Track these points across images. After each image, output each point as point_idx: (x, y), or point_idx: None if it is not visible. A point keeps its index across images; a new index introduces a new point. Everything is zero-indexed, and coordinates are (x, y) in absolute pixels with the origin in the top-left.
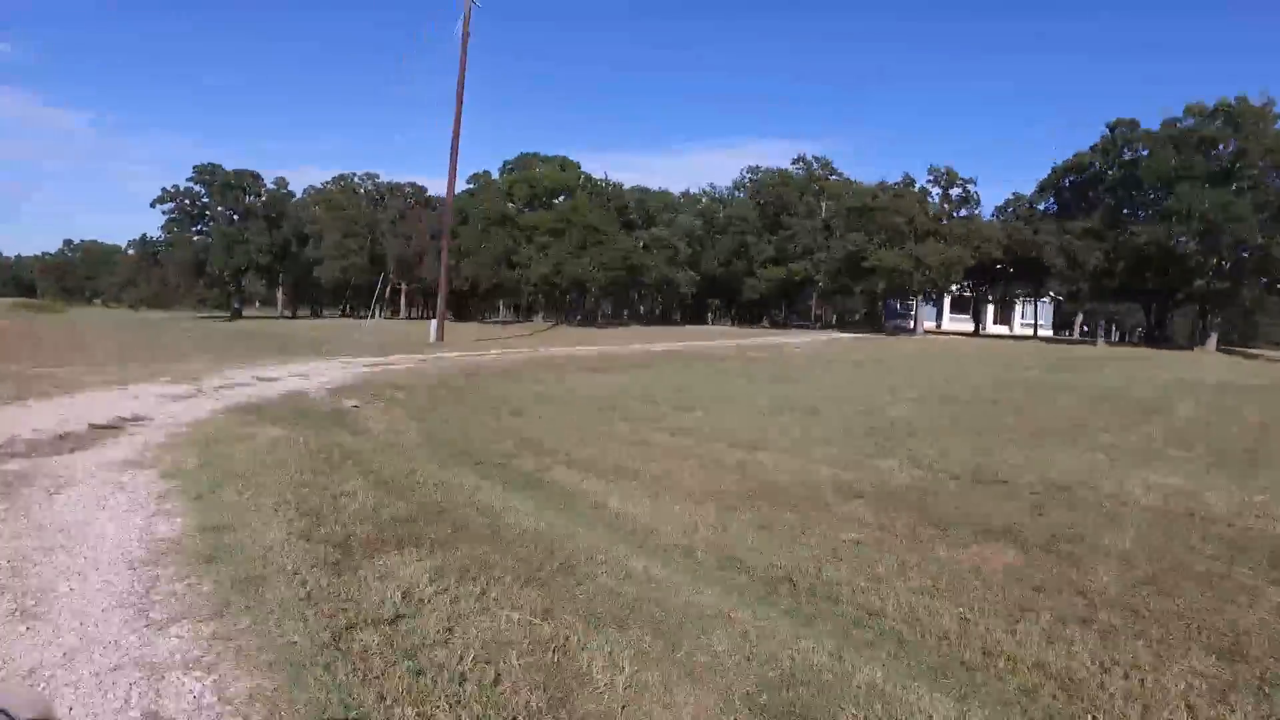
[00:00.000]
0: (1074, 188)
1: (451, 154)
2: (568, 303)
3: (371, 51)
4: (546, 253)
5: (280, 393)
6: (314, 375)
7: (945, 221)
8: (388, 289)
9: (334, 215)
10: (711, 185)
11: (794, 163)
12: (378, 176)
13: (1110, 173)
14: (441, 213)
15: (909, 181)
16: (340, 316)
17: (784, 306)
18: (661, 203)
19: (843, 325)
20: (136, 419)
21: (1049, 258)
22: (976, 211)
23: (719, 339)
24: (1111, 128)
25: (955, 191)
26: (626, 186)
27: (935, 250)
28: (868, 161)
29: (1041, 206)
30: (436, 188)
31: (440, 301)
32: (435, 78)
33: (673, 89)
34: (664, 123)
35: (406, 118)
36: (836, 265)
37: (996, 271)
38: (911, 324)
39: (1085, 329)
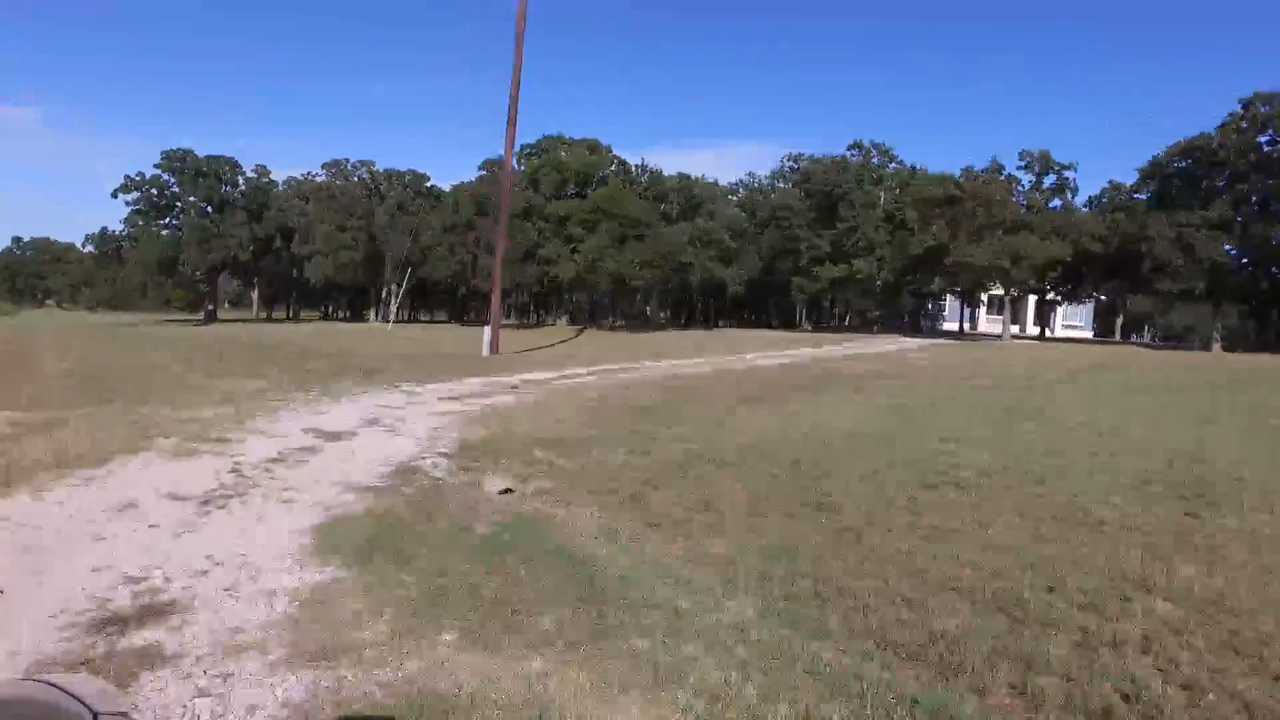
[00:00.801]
0: (1184, 175)
1: (509, 116)
2: (595, 305)
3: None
4: (579, 248)
5: (374, 467)
6: (390, 419)
7: (1038, 212)
8: (400, 290)
9: (326, 206)
10: (750, 174)
11: (850, 148)
12: (373, 164)
13: (1247, 156)
14: (453, 203)
15: (997, 167)
16: (322, 320)
17: (833, 309)
18: (707, 193)
19: (886, 329)
20: (138, 618)
21: (1162, 253)
22: (1073, 201)
23: (798, 346)
24: (1246, 104)
25: (1049, 179)
26: (666, 173)
27: (1036, 245)
28: (925, 152)
29: (1141, 195)
30: (441, 177)
31: (494, 306)
32: (433, 56)
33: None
34: (672, 119)
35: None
36: (905, 262)
37: (1085, 268)
38: (955, 325)
39: (1134, 332)
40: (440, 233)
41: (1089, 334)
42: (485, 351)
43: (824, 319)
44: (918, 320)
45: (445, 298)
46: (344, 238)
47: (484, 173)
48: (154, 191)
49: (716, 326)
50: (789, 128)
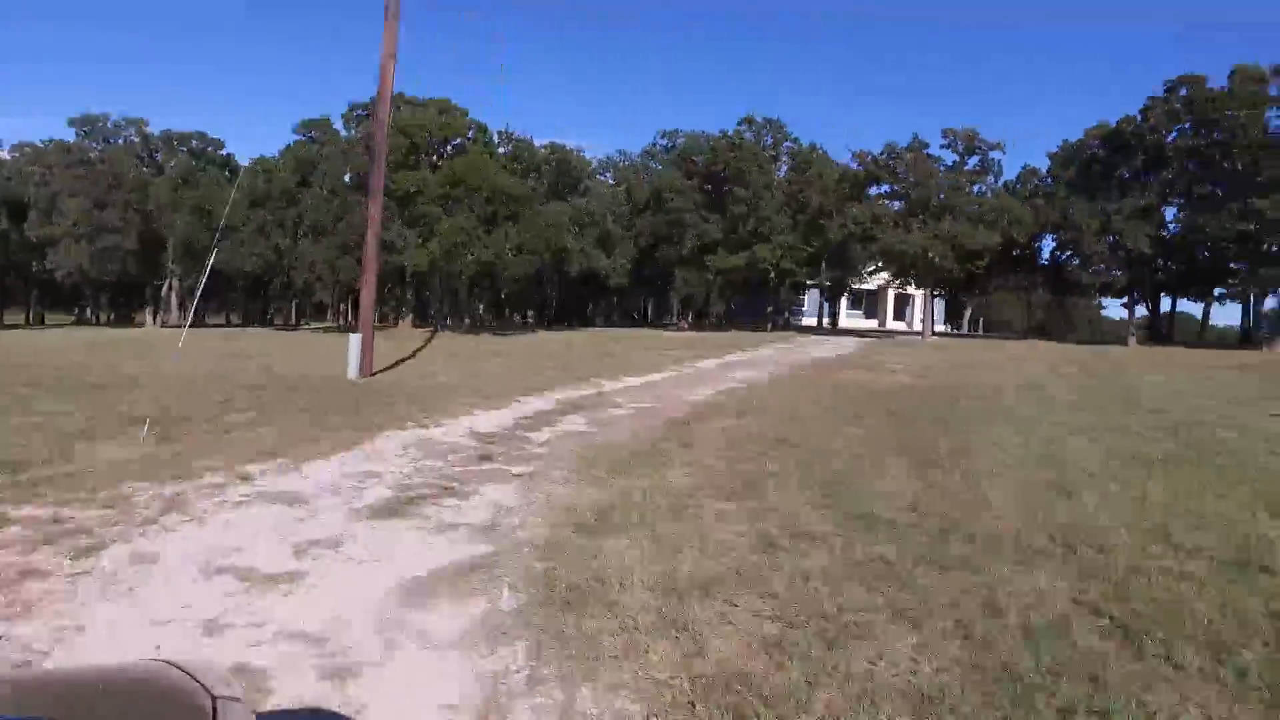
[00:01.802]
0: (1104, 161)
1: (388, 6)
2: (436, 302)
3: None
4: (434, 230)
5: None
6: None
7: (965, 196)
8: (199, 285)
9: (77, 175)
10: (621, 152)
11: (741, 124)
12: (145, 124)
13: (1167, 142)
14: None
15: (920, 145)
16: (76, 324)
17: (709, 304)
18: (583, 168)
19: (769, 326)
20: None
21: (1089, 243)
22: (999, 185)
23: (748, 348)
24: (1169, 88)
25: (973, 160)
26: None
27: (969, 232)
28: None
29: (1047, 182)
30: (237, 145)
31: (365, 307)
32: None
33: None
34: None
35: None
36: (818, 249)
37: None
38: (814, 320)
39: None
40: (247, 209)
41: (944, 327)
42: (353, 373)
43: (707, 314)
44: (783, 316)
45: (242, 296)
46: (106, 217)
47: (303, 136)
48: None
49: (591, 325)
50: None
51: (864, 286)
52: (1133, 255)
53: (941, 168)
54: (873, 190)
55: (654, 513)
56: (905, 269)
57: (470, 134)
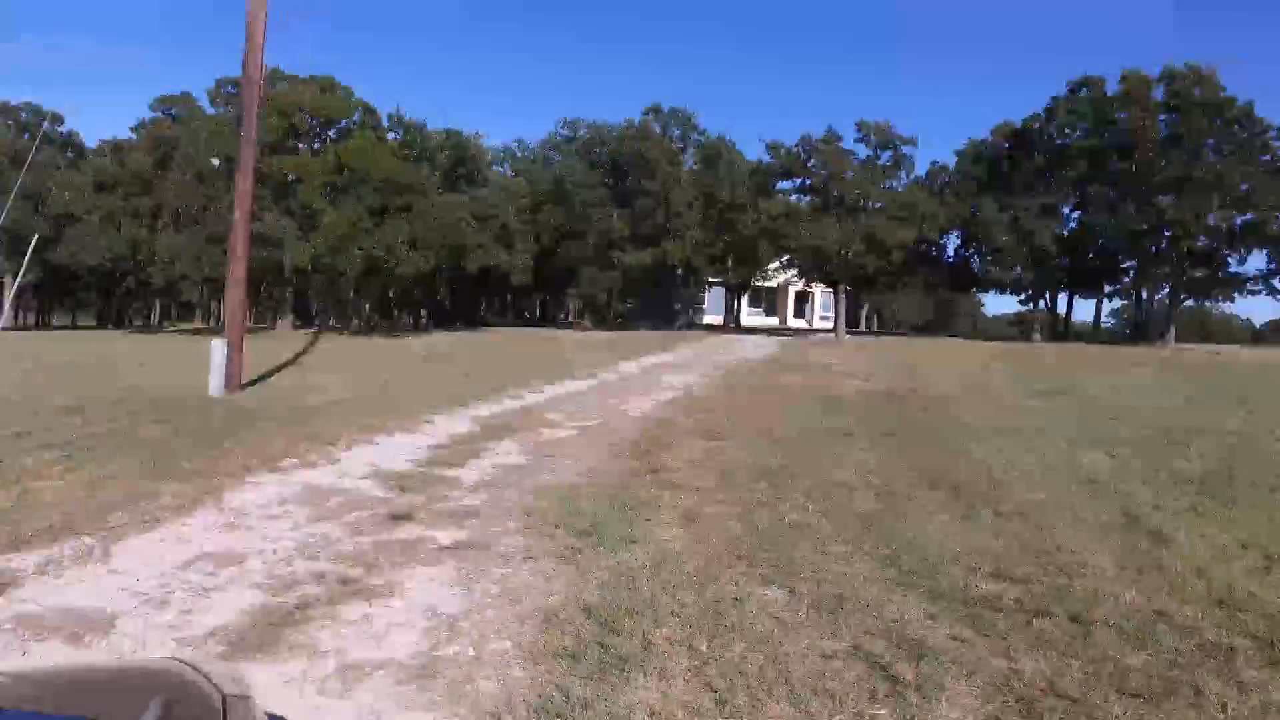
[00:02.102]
0: (1010, 159)
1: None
2: (324, 297)
3: None
4: (318, 221)
5: None
6: None
7: (882, 190)
8: (14, 281)
9: None
10: (519, 141)
11: (648, 113)
12: None
13: (1069, 141)
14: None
15: (833, 137)
16: None
17: (610, 303)
18: (482, 156)
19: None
20: None
21: (997, 239)
22: (911, 180)
23: (689, 344)
24: (1073, 87)
25: (886, 155)
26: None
27: (887, 228)
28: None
29: (946, 181)
30: (81, 122)
31: (232, 306)
32: None
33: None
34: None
35: None
36: (731, 243)
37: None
38: (718, 319)
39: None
40: (92, 194)
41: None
42: (216, 388)
43: (608, 314)
44: (689, 315)
45: (97, 296)
46: None
47: (162, 113)
48: None
49: (485, 325)
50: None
51: (765, 284)
52: (1039, 252)
53: (856, 161)
54: (785, 185)
55: (680, 615)
56: (820, 266)
57: (357, 116)
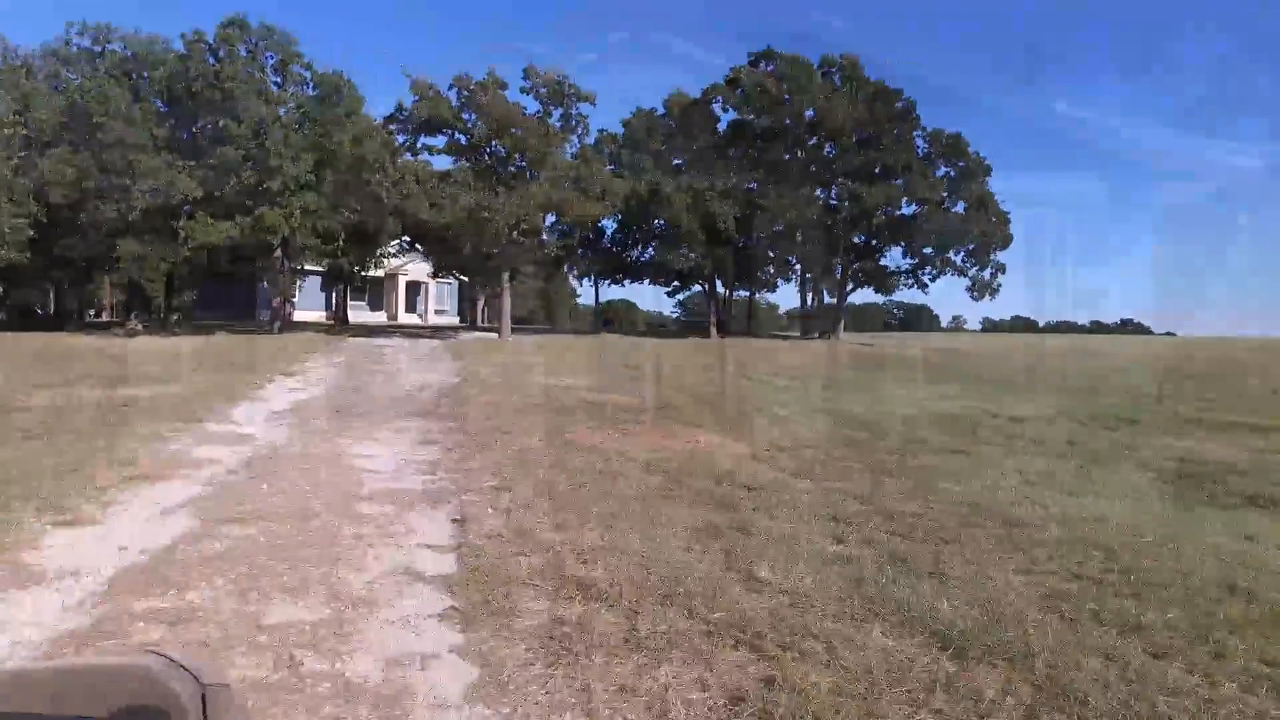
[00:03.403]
0: (685, 134)
1: None
2: None
3: None
4: None
5: None
6: None
7: (557, 155)
8: None
9: None
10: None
11: (229, 26)
12: None
13: (761, 116)
14: None
15: (498, 82)
16: None
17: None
18: None
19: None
20: None
21: (683, 222)
22: (583, 147)
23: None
24: (754, 60)
25: (558, 113)
26: None
27: (576, 201)
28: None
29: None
30: None
31: None
32: None
33: None
34: None
35: None
36: (367, 213)
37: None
38: (317, 315)
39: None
40: None
41: (455, 320)
42: None
43: (166, 310)
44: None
45: None
46: None
47: None
48: None
49: None
50: None
51: (371, 274)
52: (717, 235)
53: (525, 116)
54: (430, 141)
55: None
56: (481, 246)
57: None
